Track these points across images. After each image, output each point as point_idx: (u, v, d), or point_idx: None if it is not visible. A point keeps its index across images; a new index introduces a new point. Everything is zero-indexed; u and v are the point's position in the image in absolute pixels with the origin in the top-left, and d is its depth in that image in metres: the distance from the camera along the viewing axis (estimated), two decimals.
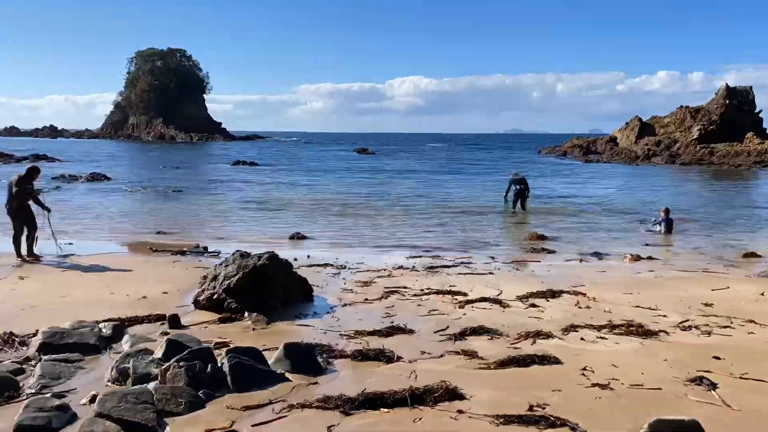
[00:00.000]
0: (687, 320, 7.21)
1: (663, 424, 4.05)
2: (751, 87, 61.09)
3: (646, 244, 14.18)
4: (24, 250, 11.17)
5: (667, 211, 15.92)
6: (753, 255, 12.46)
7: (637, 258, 12.24)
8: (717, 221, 18.31)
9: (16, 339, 6.38)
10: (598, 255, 12.69)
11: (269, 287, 7.75)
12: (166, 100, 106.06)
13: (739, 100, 59.19)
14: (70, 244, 12.68)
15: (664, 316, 7.45)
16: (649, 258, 12.24)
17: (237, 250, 8.52)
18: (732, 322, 7.11)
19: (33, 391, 5.05)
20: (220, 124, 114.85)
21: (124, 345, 6.27)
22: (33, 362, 5.70)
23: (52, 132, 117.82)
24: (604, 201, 23.93)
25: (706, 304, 8.01)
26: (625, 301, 8.24)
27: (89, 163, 44.12)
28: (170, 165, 43.09)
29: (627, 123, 66.24)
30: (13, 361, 5.70)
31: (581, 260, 12.11)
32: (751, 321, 7.13)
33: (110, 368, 5.42)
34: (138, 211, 19.95)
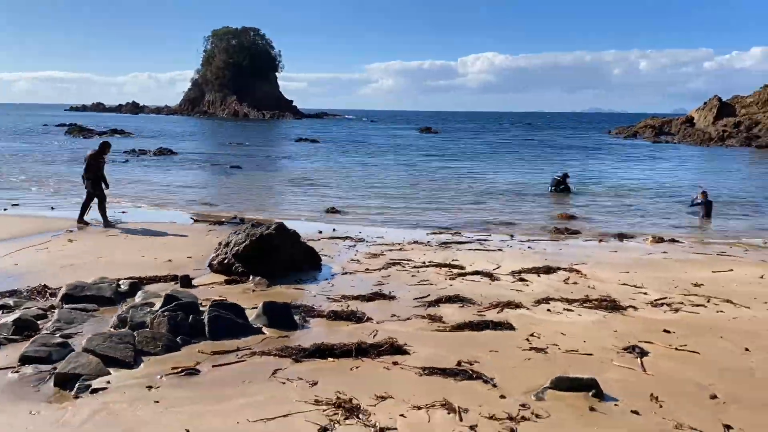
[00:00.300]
0: (665, 298, 7.41)
1: (563, 380, 4.47)
2: None
3: (681, 227, 14.11)
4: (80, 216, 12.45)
5: (704, 194, 15.60)
6: None
7: (659, 240, 12.25)
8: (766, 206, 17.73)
9: (48, 290, 7.39)
10: (620, 236, 12.75)
11: (274, 255, 8.47)
12: (240, 77, 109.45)
13: None
14: (124, 212, 13.90)
15: (645, 293, 7.67)
16: (672, 240, 12.23)
17: (252, 221, 9.29)
18: (709, 302, 7.26)
19: (48, 332, 5.95)
20: (291, 101, 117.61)
21: (137, 299, 7.14)
22: (55, 309, 6.65)
23: (133, 108, 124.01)
24: (650, 183, 23.46)
25: (696, 285, 8.14)
26: (616, 280, 8.47)
27: (161, 138, 46.61)
28: (236, 141, 44.95)
29: (705, 103, 63.30)
30: (38, 308, 6.66)
31: (600, 240, 12.24)
32: (728, 301, 7.26)
33: (114, 317, 6.28)
34: (192, 185, 21.26)
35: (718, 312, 6.85)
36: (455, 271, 8.88)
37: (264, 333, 6.01)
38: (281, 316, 6.23)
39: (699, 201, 15.44)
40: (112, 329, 6.05)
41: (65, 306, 6.70)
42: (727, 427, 4.09)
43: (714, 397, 4.49)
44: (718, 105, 60.10)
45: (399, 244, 11.17)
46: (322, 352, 5.30)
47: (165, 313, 5.74)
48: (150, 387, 4.60)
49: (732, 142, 49.55)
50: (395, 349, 5.40)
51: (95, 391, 4.54)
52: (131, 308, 6.37)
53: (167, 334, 5.55)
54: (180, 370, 4.91)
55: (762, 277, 8.70)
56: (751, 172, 28.74)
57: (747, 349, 5.62)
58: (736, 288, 8.01)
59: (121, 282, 7.57)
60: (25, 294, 7.27)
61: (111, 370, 4.90)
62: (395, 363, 5.11)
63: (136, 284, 7.61)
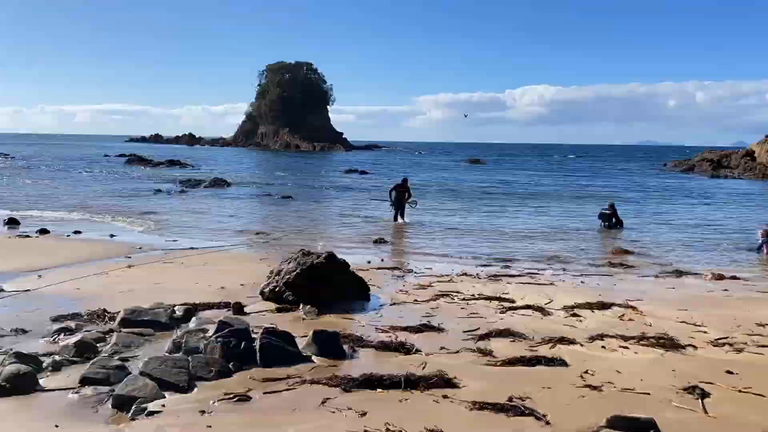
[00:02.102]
0: (726, 337, 7.11)
1: (620, 420, 4.32)
2: None
3: (741, 263, 13.58)
4: None
5: (766, 232, 14.99)
6: None
7: (719, 277, 11.79)
8: None
9: (107, 314, 7.64)
10: (678, 273, 12.33)
11: (324, 284, 8.54)
12: (293, 110, 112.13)
13: None
14: (175, 240, 14.32)
15: (705, 332, 7.38)
16: (733, 277, 11.76)
17: (301, 249, 9.41)
18: None
19: (107, 355, 6.14)
20: (342, 134, 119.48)
21: (191, 325, 7.30)
22: (114, 333, 6.86)
23: (190, 139, 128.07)
24: (708, 218, 22.70)
25: (760, 324, 7.79)
26: (674, 317, 8.18)
27: (216, 168, 47.95)
28: (288, 172, 45.85)
29: (766, 136, 61.21)
30: (98, 331, 6.89)
31: (657, 276, 11.87)
32: None
33: (169, 341, 6.43)
34: (246, 214, 21.75)
35: None
36: (505, 304, 8.76)
37: (313, 361, 6.04)
38: (331, 345, 6.26)
39: (763, 241, 14.80)
40: (167, 353, 6.20)
41: (123, 330, 6.91)
42: None
43: None
44: None
45: (448, 275, 11.10)
46: (371, 382, 5.29)
47: (218, 339, 5.85)
48: (203, 412, 4.68)
49: None
50: (445, 381, 5.35)
51: (151, 414, 4.65)
52: (186, 333, 6.52)
53: (220, 359, 5.64)
54: (232, 396, 4.98)
55: None
56: None
57: None
58: None
59: (176, 308, 7.77)
60: (85, 317, 7.54)
61: (166, 393, 5.00)
62: (445, 396, 5.05)
63: (191, 310, 7.79)
